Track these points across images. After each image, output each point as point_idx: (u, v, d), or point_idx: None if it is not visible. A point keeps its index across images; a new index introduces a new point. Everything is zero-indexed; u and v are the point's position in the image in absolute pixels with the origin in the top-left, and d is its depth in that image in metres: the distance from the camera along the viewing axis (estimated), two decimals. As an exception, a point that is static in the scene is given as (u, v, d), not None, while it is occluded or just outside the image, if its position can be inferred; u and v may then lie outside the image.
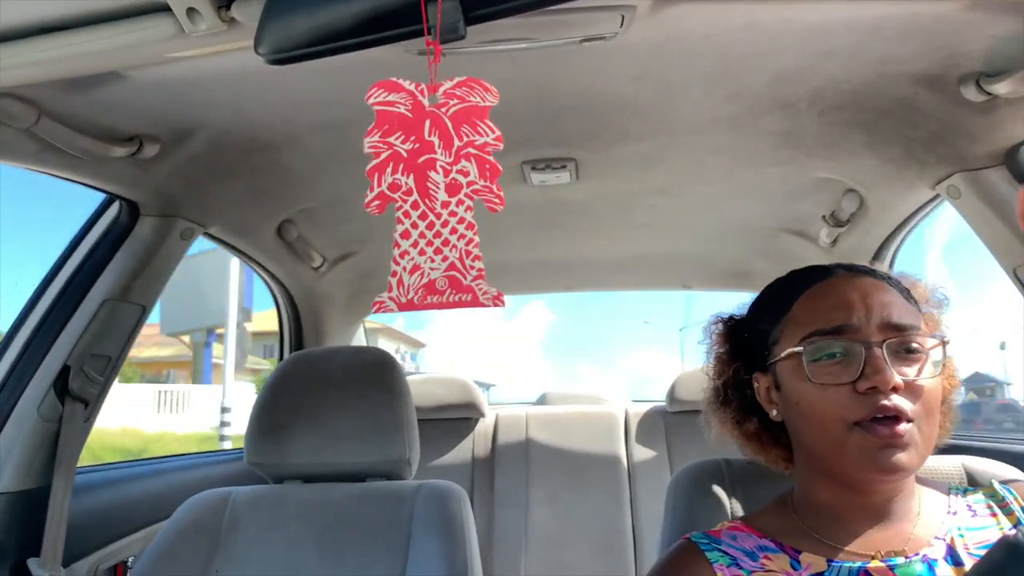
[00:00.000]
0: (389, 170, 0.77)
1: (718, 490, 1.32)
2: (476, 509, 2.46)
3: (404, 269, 0.78)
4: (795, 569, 0.88)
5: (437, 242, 0.79)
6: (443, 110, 0.79)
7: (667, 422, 2.77)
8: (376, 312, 0.78)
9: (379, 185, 0.77)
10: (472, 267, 0.80)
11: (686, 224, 2.15)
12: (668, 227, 2.16)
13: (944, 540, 0.88)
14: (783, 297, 0.95)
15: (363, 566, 1.34)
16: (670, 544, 1.29)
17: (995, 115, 1.23)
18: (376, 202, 0.77)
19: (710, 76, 1.24)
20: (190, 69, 1.11)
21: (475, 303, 0.80)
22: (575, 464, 2.72)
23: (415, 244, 0.78)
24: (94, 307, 1.46)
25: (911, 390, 0.84)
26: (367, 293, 2.61)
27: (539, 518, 2.62)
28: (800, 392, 0.88)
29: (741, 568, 0.90)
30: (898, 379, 0.83)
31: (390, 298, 0.77)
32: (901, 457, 0.82)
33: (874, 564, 0.86)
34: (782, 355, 0.91)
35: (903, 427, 0.82)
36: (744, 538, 0.94)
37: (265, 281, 2.36)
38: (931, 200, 1.62)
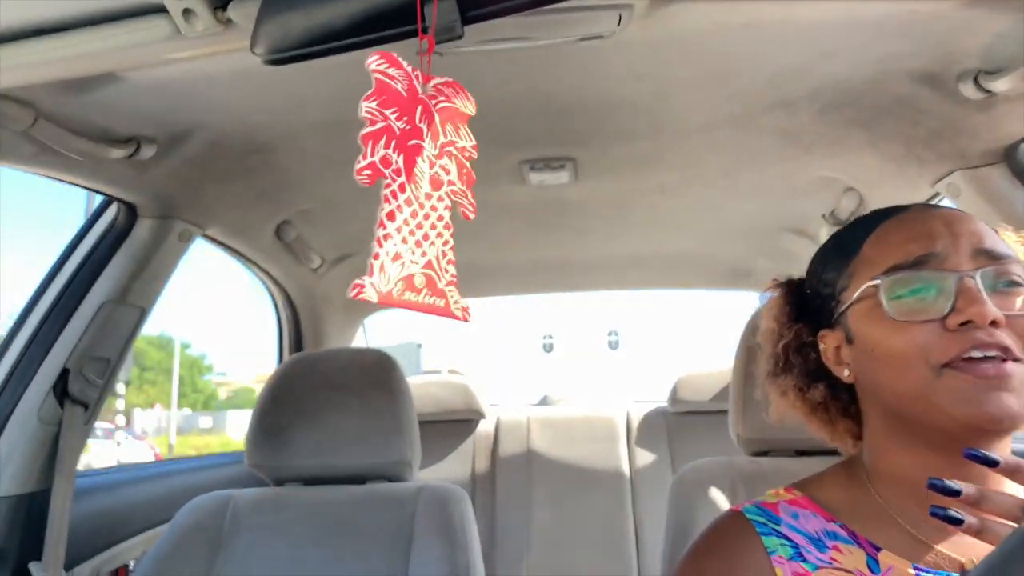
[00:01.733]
0: (383, 143, 0.72)
1: (721, 490, 1.32)
2: (478, 511, 2.46)
3: (387, 254, 0.71)
4: (873, 572, 0.72)
5: (419, 234, 0.74)
6: (432, 102, 0.76)
7: (669, 423, 2.77)
8: (355, 296, 0.70)
9: (372, 155, 0.71)
10: (446, 270, 0.76)
11: (685, 223, 2.14)
12: (667, 226, 2.16)
13: None
14: (850, 240, 0.82)
15: (365, 569, 1.33)
16: (672, 544, 1.29)
17: (994, 112, 1.23)
18: (367, 171, 0.71)
19: (709, 75, 1.24)
20: (187, 70, 1.11)
21: (446, 311, 0.75)
22: (577, 466, 2.71)
23: (399, 229, 0.72)
24: (92, 310, 1.46)
25: (1016, 329, 0.69)
26: (367, 294, 2.60)
27: (541, 520, 2.61)
28: (875, 337, 0.74)
29: (805, 561, 0.75)
30: (998, 312, 0.68)
31: (371, 284, 0.70)
32: (1010, 400, 0.66)
33: None
34: (854, 298, 0.77)
35: (1011, 365, 0.67)
36: (807, 518, 0.79)
37: (264, 283, 2.36)
38: (931, 198, 1.62)
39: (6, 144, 1.18)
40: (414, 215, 0.74)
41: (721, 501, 1.30)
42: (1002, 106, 1.21)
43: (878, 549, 0.73)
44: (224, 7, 0.85)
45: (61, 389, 1.43)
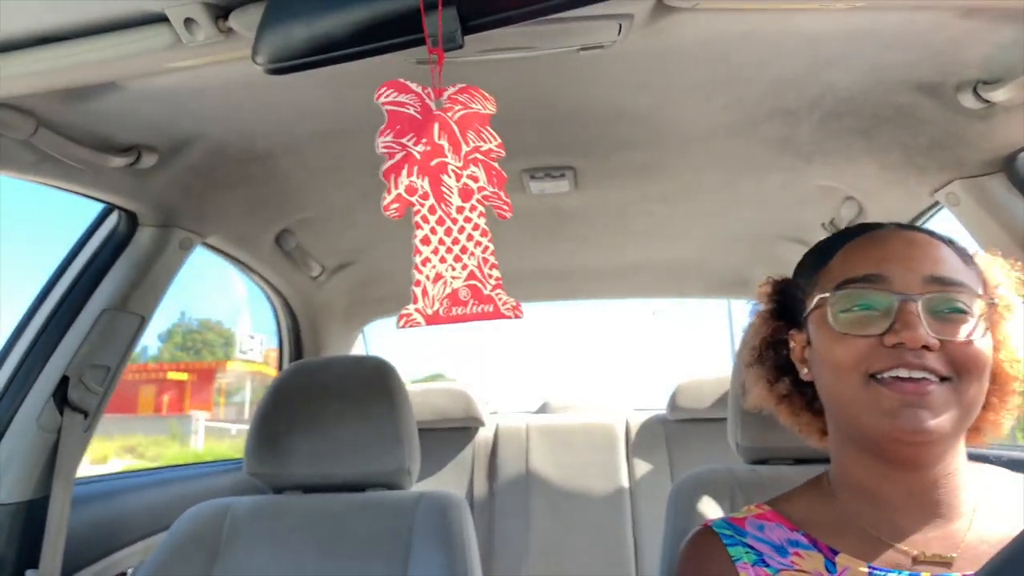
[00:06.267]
0: (405, 172, 0.74)
1: (719, 499, 1.31)
2: (476, 519, 2.45)
3: (427, 278, 0.74)
4: (830, 573, 0.79)
5: (456, 249, 0.76)
6: (448, 114, 0.77)
7: (668, 430, 2.77)
8: (403, 327, 0.72)
9: (396, 187, 0.73)
10: (490, 276, 0.77)
11: (685, 232, 2.14)
12: (667, 235, 2.16)
13: None
14: (824, 251, 0.89)
15: None
16: (670, 553, 1.29)
17: (993, 122, 1.23)
18: (395, 205, 0.73)
19: (708, 84, 1.24)
20: (188, 79, 1.11)
21: (496, 314, 0.77)
22: (576, 473, 2.71)
23: (435, 251, 0.74)
24: (93, 317, 1.46)
25: (949, 353, 0.74)
26: (366, 303, 2.61)
27: (540, 528, 2.61)
28: (823, 344, 0.81)
29: (768, 566, 0.82)
30: (931, 338, 0.73)
31: (416, 311, 0.72)
32: (924, 416, 0.72)
33: None
34: (811, 306, 0.84)
35: (934, 386, 0.73)
36: (772, 528, 0.86)
37: (264, 291, 2.35)
38: (930, 207, 1.62)
39: (7, 152, 1.18)
40: (448, 232, 0.75)
41: (719, 510, 1.30)
42: (1001, 116, 1.21)
43: (836, 552, 0.80)
44: (225, 16, 0.86)
45: (61, 396, 1.43)
